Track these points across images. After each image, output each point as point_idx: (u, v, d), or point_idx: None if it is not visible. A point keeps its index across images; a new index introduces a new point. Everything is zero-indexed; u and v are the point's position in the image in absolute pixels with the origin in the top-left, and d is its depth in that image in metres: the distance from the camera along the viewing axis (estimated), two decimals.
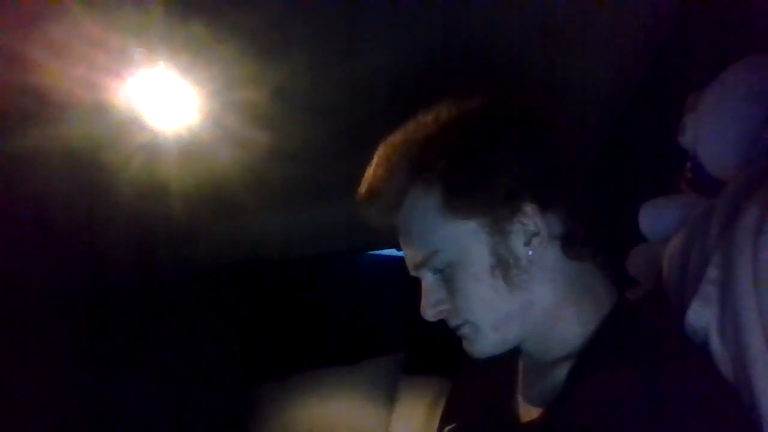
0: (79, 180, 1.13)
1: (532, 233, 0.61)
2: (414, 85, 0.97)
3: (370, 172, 0.67)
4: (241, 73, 0.90)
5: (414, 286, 0.69)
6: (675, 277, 0.67)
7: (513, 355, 0.71)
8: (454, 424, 0.73)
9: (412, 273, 0.68)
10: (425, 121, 0.65)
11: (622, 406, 0.53)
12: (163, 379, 1.81)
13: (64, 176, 1.10)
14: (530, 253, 0.61)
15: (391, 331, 1.98)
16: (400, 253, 1.81)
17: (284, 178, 1.31)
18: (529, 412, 0.64)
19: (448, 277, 0.63)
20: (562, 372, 0.61)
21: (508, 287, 0.61)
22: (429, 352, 1.72)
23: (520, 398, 0.67)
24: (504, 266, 0.61)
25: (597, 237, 0.64)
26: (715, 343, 0.56)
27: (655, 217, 0.75)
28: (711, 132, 0.65)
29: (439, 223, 0.62)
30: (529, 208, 0.60)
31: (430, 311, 0.65)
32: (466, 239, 0.62)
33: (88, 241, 1.39)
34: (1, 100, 0.86)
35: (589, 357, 0.60)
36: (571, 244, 0.62)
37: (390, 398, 1.82)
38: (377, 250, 2.10)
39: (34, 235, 1.28)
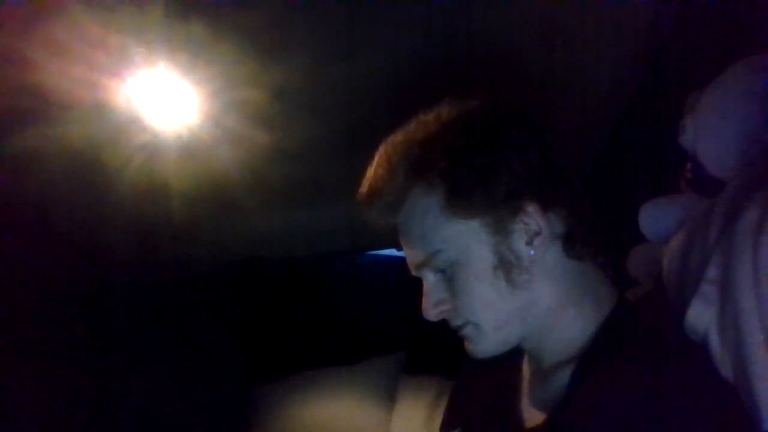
0: (79, 180, 1.12)
1: (534, 233, 0.61)
2: (414, 85, 0.97)
3: (370, 172, 0.67)
4: (241, 73, 0.90)
5: (414, 286, 0.69)
6: (675, 277, 0.67)
7: (516, 357, 0.71)
8: (457, 429, 0.73)
9: (413, 273, 0.67)
10: (426, 120, 0.65)
11: (623, 410, 0.53)
12: (163, 379, 1.81)
13: (64, 176, 1.10)
14: (532, 252, 0.61)
15: (391, 331, 1.98)
16: (400, 253, 1.81)
17: (284, 178, 1.31)
18: (533, 417, 0.63)
19: (449, 277, 0.63)
20: (564, 375, 0.61)
21: (510, 287, 0.61)
22: (429, 352, 1.72)
23: (524, 403, 0.67)
24: (506, 266, 0.61)
25: (597, 237, 0.64)
26: (715, 343, 0.56)
27: (655, 217, 0.75)
28: (711, 132, 0.65)
29: (441, 223, 0.62)
30: (531, 208, 0.60)
31: (431, 311, 0.65)
32: (467, 239, 0.61)
33: (88, 241, 1.39)
34: (1, 100, 0.86)
35: (590, 360, 0.60)
36: (572, 243, 0.62)
37: (390, 398, 1.82)
38: (377, 250, 2.10)
39: (34, 235, 1.28)
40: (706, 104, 0.66)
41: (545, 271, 0.62)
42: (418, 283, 0.67)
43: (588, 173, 1.40)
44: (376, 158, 0.67)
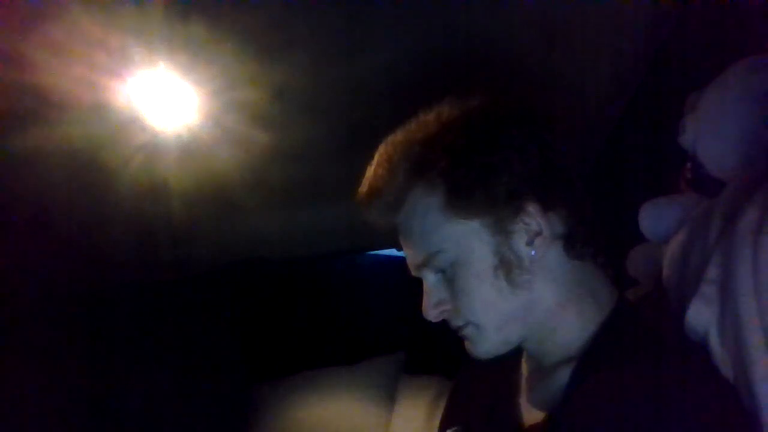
0: (79, 180, 1.12)
1: (535, 233, 0.61)
2: (414, 85, 0.97)
3: (370, 171, 0.67)
4: (241, 73, 0.90)
5: (414, 286, 0.69)
6: (675, 277, 0.67)
7: (516, 357, 0.71)
8: (456, 428, 0.73)
9: (414, 273, 0.67)
10: (426, 120, 0.65)
11: (623, 409, 0.53)
12: (163, 379, 1.81)
13: (64, 176, 1.10)
14: (533, 252, 0.61)
15: (391, 331, 1.99)
16: (400, 253, 1.81)
17: (284, 178, 1.31)
18: (532, 416, 0.64)
19: (450, 277, 0.63)
20: (564, 375, 0.61)
21: (511, 287, 0.61)
22: (429, 352, 1.73)
23: (523, 402, 0.67)
24: (506, 266, 0.61)
25: (597, 237, 0.64)
26: (715, 343, 0.56)
27: (655, 217, 0.75)
28: (711, 132, 0.65)
29: (441, 223, 0.62)
30: (532, 208, 0.60)
31: (431, 312, 0.65)
32: (468, 239, 0.61)
33: (88, 241, 1.39)
34: (1, 100, 0.86)
35: (590, 360, 0.60)
36: (572, 243, 0.62)
37: (390, 398, 1.82)
38: (377, 250, 2.10)
39: (34, 235, 1.28)
40: (706, 104, 0.66)
41: (546, 271, 0.62)
42: (418, 283, 0.67)
43: (588, 173, 1.40)
44: (376, 158, 0.67)
